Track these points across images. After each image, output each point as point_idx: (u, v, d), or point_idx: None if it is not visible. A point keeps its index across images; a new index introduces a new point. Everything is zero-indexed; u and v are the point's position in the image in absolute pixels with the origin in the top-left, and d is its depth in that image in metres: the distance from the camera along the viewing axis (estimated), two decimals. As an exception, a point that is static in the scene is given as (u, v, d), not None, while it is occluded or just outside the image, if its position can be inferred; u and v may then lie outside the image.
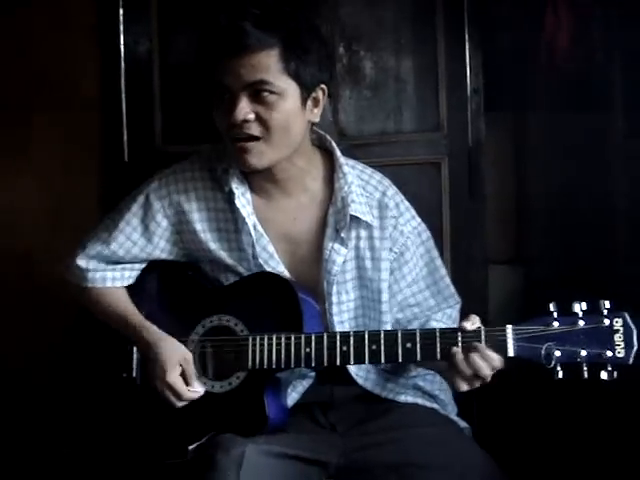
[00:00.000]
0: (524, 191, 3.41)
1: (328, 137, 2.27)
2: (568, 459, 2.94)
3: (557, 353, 1.86)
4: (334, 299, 2.20)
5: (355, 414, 2.22)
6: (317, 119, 2.18)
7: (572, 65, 3.13)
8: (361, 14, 3.18)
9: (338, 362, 2.02)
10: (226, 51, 2.04)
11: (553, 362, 1.86)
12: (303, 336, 2.04)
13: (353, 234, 2.20)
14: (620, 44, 3.07)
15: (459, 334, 1.95)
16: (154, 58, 3.18)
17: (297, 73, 2.07)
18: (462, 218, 3.17)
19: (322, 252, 2.19)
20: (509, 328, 1.91)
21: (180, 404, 2.13)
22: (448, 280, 2.33)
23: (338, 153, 2.24)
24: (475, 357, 1.92)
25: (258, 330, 2.08)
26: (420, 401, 2.27)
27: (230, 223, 2.21)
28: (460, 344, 1.95)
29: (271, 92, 2.05)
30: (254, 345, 2.07)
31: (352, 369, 2.20)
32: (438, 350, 1.96)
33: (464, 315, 2.01)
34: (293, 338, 2.04)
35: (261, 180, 2.20)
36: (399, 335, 1.98)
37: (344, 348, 2.01)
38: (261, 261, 2.18)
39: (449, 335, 1.96)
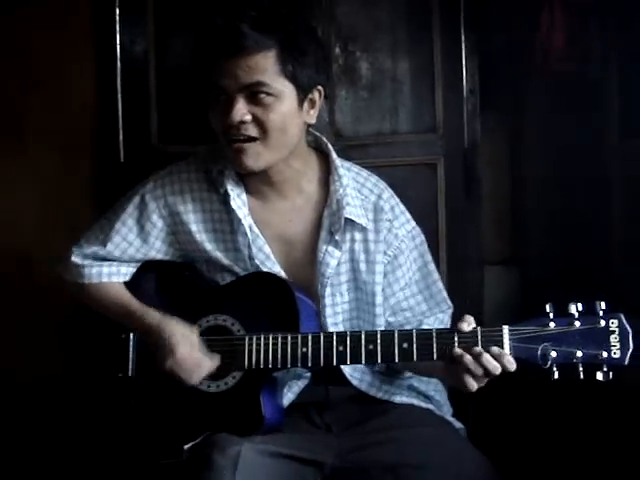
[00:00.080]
0: (520, 192, 3.41)
1: (324, 139, 2.27)
2: (563, 459, 2.94)
3: (553, 354, 1.86)
4: (328, 301, 2.20)
5: (350, 414, 2.22)
6: (313, 120, 2.18)
7: (568, 66, 3.13)
8: (357, 15, 3.18)
9: (335, 362, 2.02)
10: (223, 52, 2.04)
11: (549, 363, 1.86)
12: (299, 336, 2.04)
13: (347, 237, 2.20)
14: (616, 45, 3.08)
15: (455, 334, 1.95)
16: (150, 58, 3.17)
17: (294, 75, 2.07)
18: (458, 219, 3.17)
19: (316, 254, 2.19)
20: (505, 328, 1.91)
21: (195, 380, 2.11)
22: (441, 285, 2.32)
23: (334, 155, 2.24)
24: (488, 357, 1.92)
25: (255, 330, 2.08)
26: (415, 402, 2.27)
27: (226, 224, 2.21)
28: (457, 344, 1.95)
29: (268, 94, 2.05)
30: (250, 345, 2.07)
31: (347, 370, 2.20)
32: (435, 350, 1.95)
33: (459, 316, 2.01)
34: (289, 338, 2.04)
35: (257, 182, 2.20)
36: (396, 335, 1.98)
37: (340, 348, 2.01)
38: (257, 262, 2.18)
39: (446, 335, 1.96)
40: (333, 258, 2.18)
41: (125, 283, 2.31)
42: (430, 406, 2.29)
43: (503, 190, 3.41)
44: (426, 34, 3.16)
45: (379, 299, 2.23)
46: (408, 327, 2.25)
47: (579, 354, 1.85)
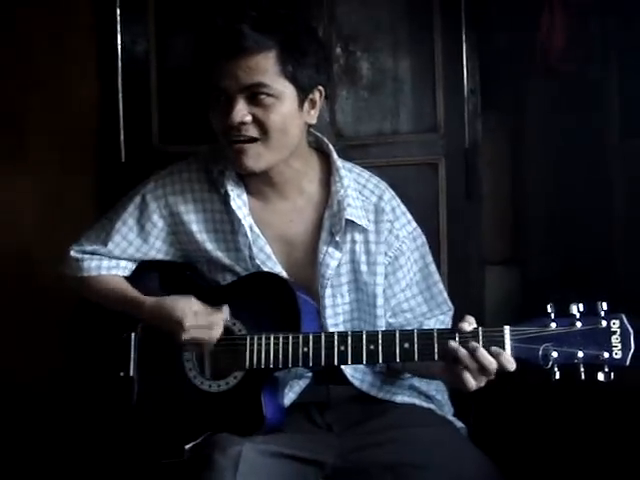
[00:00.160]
0: (521, 192, 3.41)
1: (325, 139, 2.27)
2: (565, 459, 2.94)
3: (554, 354, 1.86)
4: (328, 302, 2.19)
5: (352, 414, 2.22)
6: (314, 121, 2.17)
7: (568, 66, 3.13)
8: (358, 15, 3.19)
9: (336, 362, 2.01)
10: (223, 53, 2.04)
11: (550, 363, 1.86)
12: (301, 336, 2.03)
13: (348, 238, 2.20)
14: (616, 44, 3.08)
15: (457, 334, 1.94)
16: (151, 59, 3.18)
17: (294, 75, 2.07)
18: (459, 219, 3.18)
19: (317, 255, 2.19)
20: (507, 329, 1.90)
21: (216, 334, 2.10)
22: (442, 286, 2.32)
23: (335, 156, 2.24)
24: (483, 352, 1.92)
25: (256, 330, 2.08)
26: (417, 401, 2.27)
27: (226, 224, 2.21)
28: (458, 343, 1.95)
29: (268, 94, 2.05)
30: (252, 345, 2.07)
31: (348, 371, 2.20)
32: (436, 350, 1.95)
33: (460, 316, 2.01)
34: (291, 338, 2.03)
35: (257, 182, 2.20)
36: (397, 335, 1.98)
37: (342, 348, 2.00)
38: (258, 262, 2.18)
39: (447, 335, 1.95)
40: (333, 259, 2.18)
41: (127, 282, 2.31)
42: (431, 406, 2.29)
43: (504, 190, 3.41)
44: (427, 34, 3.17)
45: (380, 300, 2.23)
46: (409, 328, 2.24)
47: (580, 355, 1.85)
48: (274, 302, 2.10)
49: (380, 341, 1.98)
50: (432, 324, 2.27)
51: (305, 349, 2.02)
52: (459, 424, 2.30)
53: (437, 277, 2.32)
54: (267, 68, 2.04)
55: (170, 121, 3.20)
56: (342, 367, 2.17)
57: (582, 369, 1.86)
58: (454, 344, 1.92)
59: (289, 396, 2.20)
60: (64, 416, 2.66)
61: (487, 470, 2.05)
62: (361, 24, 3.18)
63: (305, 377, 2.22)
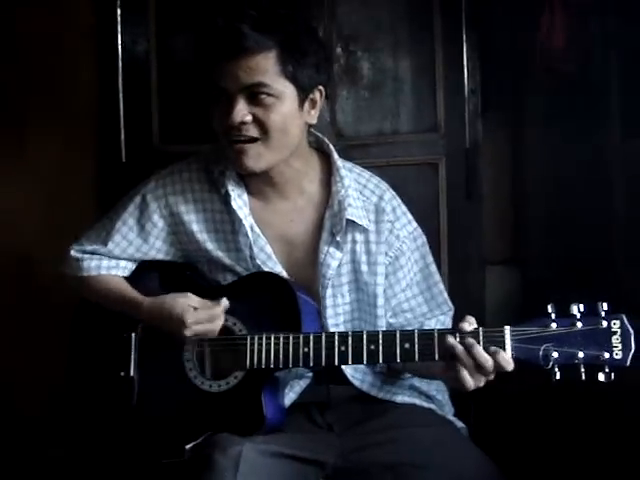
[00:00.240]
0: (521, 192, 3.41)
1: (326, 140, 2.27)
2: (565, 459, 2.94)
3: (555, 354, 1.86)
4: (329, 302, 2.19)
5: (352, 414, 2.22)
6: (314, 121, 2.17)
7: (569, 66, 3.13)
8: (358, 14, 3.19)
9: (336, 362, 2.01)
10: (223, 53, 2.04)
11: (551, 363, 1.86)
12: (301, 336, 2.03)
13: (349, 238, 2.20)
14: (617, 44, 3.08)
15: (457, 335, 1.94)
16: (152, 58, 3.19)
17: (294, 75, 2.07)
18: (459, 219, 3.18)
19: (317, 255, 2.19)
20: (507, 329, 1.90)
21: (217, 328, 2.10)
22: (442, 286, 2.32)
23: (336, 156, 2.24)
24: (479, 349, 1.92)
25: (256, 330, 2.08)
26: (417, 401, 2.27)
27: (227, 224, 2.21)
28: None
29: (268, 94, 2.05)
30: (252, 345, 2.07)
31: (348, 371, 2.20)
32: (436, 350, 1.95)
33: (460, 316, 2.01)
34: (291, 338, 2.03)
35: (258, 182, 2.20)
36: (397, 335, 1.98)
37: (342, 348, 2.00)
38: (259, 262, 2.18)
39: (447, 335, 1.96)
40: (334, 259, 2.18)
41: (127, 282, 2.31)
42: (432, 406, 2.29)
43: (504, 190, 3.41)
44: (427, 34, 3.17)
45: (380, 300, 2.23)
46: (409, 328, 2.24)
47: (581, 355, 1.85)
48: (274, 302, 2.10)
49: (381, 341, 1.98)
50: (432, 324, 2.27)
51: (306, 349, 2.02)
52: (459, 424, 2.30)
53: (437, 277, 2.32)
54: (267, 68, 2.04)
55: (170, 121, 3.20)
56: (342, 367, 2.17)
57: (582, 369, 1.86)
58: (452, 340, 1.93)
59: (289, 396, 2.20)
60: (64, 416, 2.66)
61: (487, 470, 2.05)
62: (361, 24, 3.18)
63: (305, 377, 2.22)
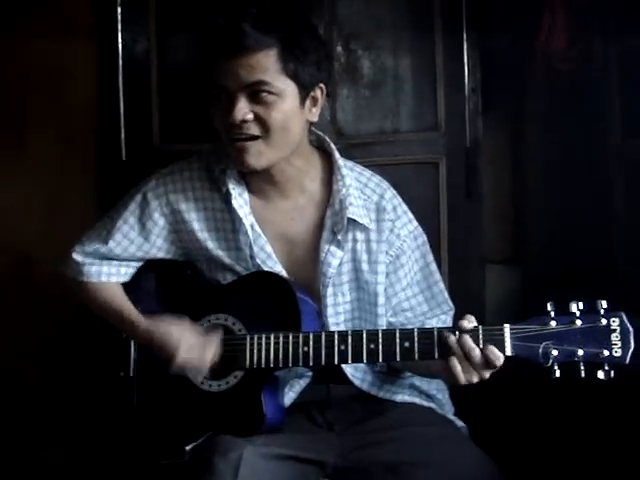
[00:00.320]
0: (521, 191, 3.41)
1: (327, 138, 2.26)
2: (565, 457, 2.94)
3: (554, 352, 1.86)
4: (329, 301, 2.19)
5: (352, 413, 2.22)
6: (316, 118, 2.17)
7: (569, 65, 3.13)
8: (359, 13, 3.19)
9: (336, 361, 2.01)
10: (224, 52, 2.04)
11: (550, 361, 1.86)
12: (301, 335, 2.03)
13: (350, 236, 2.19)
14: (617, 44, 3.08)
15: (457, 333, 1.94)
16: (152, 57, 3.18)
17: (295, 73, 2.06)
18: (459, 217, 3.18)
19: (318, 253, 2.19)
20: (507, 327, 1.90)
21: (206, 368, 2.10)
22: (442, 286, 2.32)
23: (337, 154, 2.23)
24: (467, 337, 1.92)
25: (256, 329, 2.08)
26: (417, 400, 2.27)
27: (228, 223, 2.21)
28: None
29: (270, 92, 2.05)
30: (252, 344, 2.07)
31: (348, 370, 2.20)
32: (436, 349, 1.95)
33: (460, 314, 2.01)
34: (291, 337, 2.03)
35: (259, 181, 2.20)
36: (397, 334, 1.98)
37: (342, 347, 2.00)
38: (259, 261, 2.18)
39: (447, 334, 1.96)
40: (335, 258, 2.18)
41: (126, 282, 2.31)
42: (432, 405, 2.29)
43: (504, 189, 3.41)
44: (428, 33, 3.16)
45: (381, 299, 2.23)
46: (409, 327, 2.24)
47: (580, 353, 1.85)
48: (274, 302, 2.10)
49: (380, 340, 1.98)
50: (433, 324, 2.26)
51: (305, 348, 2.02)
52: (460, 423, 2.30)
53: (438, 276, 2.32)
54: (268, 66, 2.04)
55: (171, 120, 3.20)
56: (343, 366, 2.17)
57: (582, 367, 1.86)
58: (451, 338, 1.93)
59: (289, 395, 2.20)
60: (65, 416, 2.67)
61: (487, 469, 2.05)
62: (362, 23, 3.18)
63: (305, 376, 2.22)
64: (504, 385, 2.22)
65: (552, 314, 1.88)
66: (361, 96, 3.18)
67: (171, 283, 2.28)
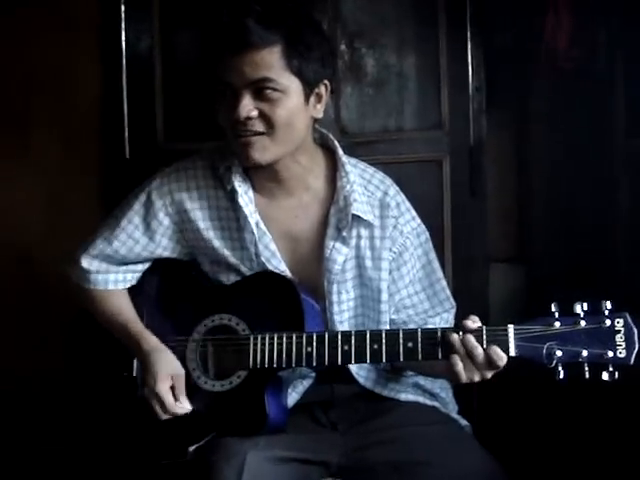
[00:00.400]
0: (525, 189, 3.41)
1: (330, 136, 2.26)
2: (569, 457, 2.94)
3: (558, 353, 1.85)
4: (334, 298, 2.19)
5: (356, 413, 2.23)
6: (320, 115, 2.17)
7: (573, 64, 3.13)
8: (363, 11, 3.18)
9: (339, 361, 2.01)
10: (229, 48, 2.04)
11: (554, 362, 1.85)
12: (304, 335, 2.03)
13: (354, 233, 2.19)
14: (621, 43, 3.07)
15: (460, 332, 1.94)
16: (156, 55, 3.18)
17: (300, 70, 2.06)
18: (463, 216, 3.17)
19: (323, 250, 2.18)
20: (511, 327, 1.90)
21: (165, 417, 2.13)
22: (444, 283, 2.32)
23: (340, 152, 2.23)
24: (469, 336, 1.92)
25: (259, 329, 2.08)
26: (421, 399, 2.27)
27: (232, 221, 2.21)
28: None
29: (274, 89, 2.04)
30: (255, 344, 2.07)
31: (353, 368, 2.20)
32: (440, 349, 1.95)
33: (464, 314, 2.00)
34: (294, 337, 2.03)
35: (263, 179, 2.20)
36: (400, 334, 1.97)
37: (345, 347, 2.00)
38: (263, 259, 2.18)
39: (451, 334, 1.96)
40: (340, 254, 2.18)
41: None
42: (435, 404, 2.29)
43: (509, 188, 3.41)
44: (432, 31, 3.16)
45: (384, 296, 2.22)
46: (411, 325, 2.24)
47: (584, 353, 1.84)
48: (278, 302, 2.10)
49: (384, 340, 1.98)
50: (436, 322, 2.27)
51: (309, 349, 2.02)
52: (463, 422, 2.30)
53: (440, 274, 2.32)
54: (272, 63, 2.03)
55: (175, 118, 3.20)
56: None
57: (586, 368, 1.85)
58: (455, 337, 1.93)
59: (292, 396, 2.20)
60: (67, 416, 2.67)
61: (491, 468, 2.05)
62: (366, 21, 3.17)
63: (309, 377, 2.22)
64: (508, 384, 2.22)
65: (556, 315, 1.88)
66: (365, 94, 3.18)
67: (175, 284, 2.28)
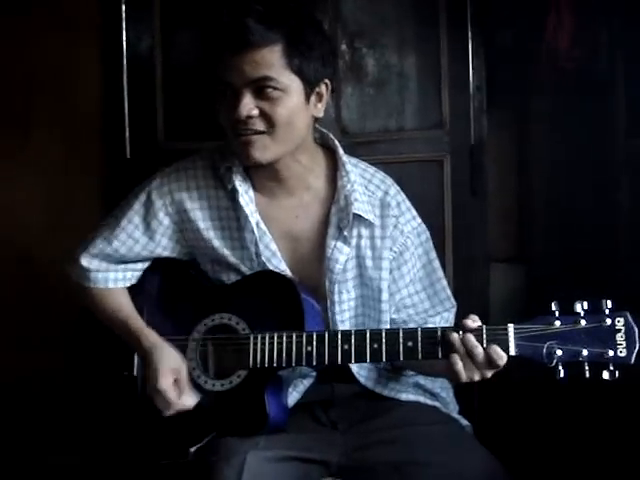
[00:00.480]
0: (526, 189, 3.40)
1: (331, 135, 2.26)
2: (569, 456, 2.94)
3: (559, 352, 1.85)
4: (335, 298, 2.19)
5: (356, 412, 2.22)
6: (321, 114, 2.17)
7: (574, 63, 3.13)
8: (363, 11, 3.18)
9: (339, 361, 2.01)
10: (229, 48, 2.04)
11: (554, 361, 1.85)
12: (304, 335, 2.03)
13: (355, 232, 2.19)
14: (622, 43, 3.07)
15: (460, 332, 1.94)
16: (156, 55, 3.18)
17: (300, 69, 2.06)
18: (464, 216, 3.17)
19: (324, 250, 2.18)
20: (511, 327, 1.90)
21: (169, 413, 2.12)
22: (445, 283, 2.32)
23: (341, 151, 2.23)
24: (469, 335, 1.92)
25: (260, 329, 2.08)
26: (422, 399, 2.27)
27: (233, 221, 2.21)
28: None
29: (275, 88, 2.04)
30: (255, 344, 2.06)
31: (354, 368, 2.20)
32: (440, 348, 1.95)
33: (464, 314, 2.00)
34: (295, 337, 2.03)
35: (264, 178, 2.19)
36: (400, 334, 1.97)
37: (345, 347, 2.00)
38: (264, 259, 2.18)
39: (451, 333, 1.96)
40: (342, 254, 2.18)
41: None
42: (436, 404, 2.29)
43: (509, 187, 3.40)
44: (433, 30, 3.15)
45: (385, 295, 2.22)
46: (411, 324, 2.24)
47: (585, 353, 1.84)
48: (278, 301, 2.10)
49: (384, 340, 1.98)
50: (436, 321, 2.27)
51: (309, 348, 2.02)
52: (464, 422, 2.30)
53: (441, 273, 2.32)
54: (273, 62, 2.03)
55: (175, 117, 3.20)
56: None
57: (587, 367, 1.85)
58: (454, 336, 1.93)
59: (293, 395, 2.20)
60: (67, 416, 2.67)
61: (492, 468, 2.05)
62: (366, 20, 3.17)
63: (309, 376, 2.22)
64: (508, 383, 2.22)
65: (556, 314, 1.88)
66: (366, 94, 3.18)
67: (175, 283, 2.28)
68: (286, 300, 2.08)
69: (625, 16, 3.01)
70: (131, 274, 2.31)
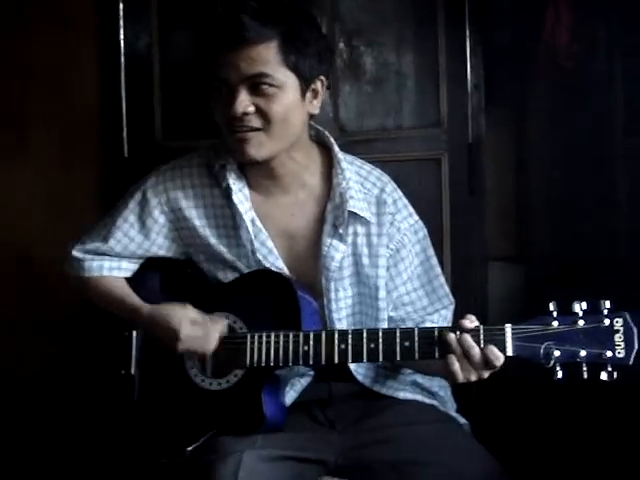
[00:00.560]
0: (524, 187, 3.40)
1: (326, 133, 2.26)
2: (567, 455, 2.94)
3: (556, 353, 1.85)
4: (332, 295, 2.19)
5: (354, 411, 2.22)
6: (317, 111, 2.17)
7: (572, 61, 3.12)
8: (361, 9, 3.17)
9: (336, 360, 2.01)
10: (225, 44, 2.04)
11: (552, 362, 1.85)
12: (301, 334, 2.03)
13: (351, 230, 2.19)
14: (620, 41, 3.07)
15: (457, 332, 1.93)
16: (154, 53, 3.18)
17: (296, 65, 2.06)
18: (462, 214, 3.16)
19: (320, 248, 2.19)
20: (508, 327, 1.89)
21: (211, 346, 2.09)
22: (442, 280, 2.31)
23: (336, 148, 2.23)
24: (466, 336, 1.91)
25: (257, 328, 2.08)
26: (419, 398, 2.27)
27: (228, 219, 2.21)
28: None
29: (270, 85, 2.04)
30: (252, 343, 2.06)
31: (351, 366, 2.20)
32: (437, 348, 1.95)
33: (462, 313, 2.00)
34: (291, 336, 2.03)
35: (259, 176, 2.19)
36: (397, 333, 1.97)
37: (342, 346, 2.00)
38: (260, 256, 2.18)
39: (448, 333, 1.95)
40: (337, 252, 2.17)
41: (129, 281, 2.31)
42: (434, 402, 2.29)
43: (507, 186, 3.40)
44: (431, 29, 3.15)
45: (382, 293, 2.22)
46: (409, 322, 2.24)
47: (583, 353, 1.84)
48: (275, 300, 2.09)
49: (381, 339, 1.98)
50: (435, 320, 2.27)
51: (306, 347, 2.02)
52: (462, 420, 2.30)
53: (438, 270, 2.32)
54: (269, 58, 2.03)
55: (173, 116, 3.19)
56: (345, 362, 2.17)
57: (585, 368, 1.85)
58: (451, 336, 1.92)
59: (290, 394, 2.20)
60: (65, 415, 2.67)
61: (490, 466, 2.06)
62: (364, 19, 3.17)
63: (307, 375, 2.22)
64: (506, 382, 2.22)
65: (554, 314, 1.87)
66: (363, 92, 3.17)
67: (172, 282, 2.28)
68: (283, 298, 2.08)
69: (624, 13, 3.00)
70: (126, 265, 2.31)
